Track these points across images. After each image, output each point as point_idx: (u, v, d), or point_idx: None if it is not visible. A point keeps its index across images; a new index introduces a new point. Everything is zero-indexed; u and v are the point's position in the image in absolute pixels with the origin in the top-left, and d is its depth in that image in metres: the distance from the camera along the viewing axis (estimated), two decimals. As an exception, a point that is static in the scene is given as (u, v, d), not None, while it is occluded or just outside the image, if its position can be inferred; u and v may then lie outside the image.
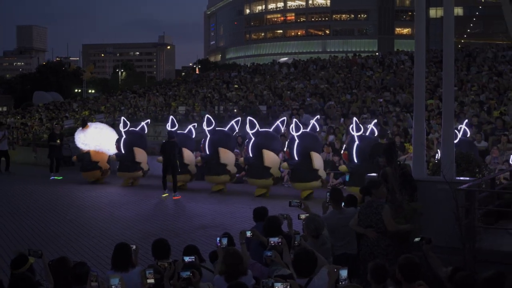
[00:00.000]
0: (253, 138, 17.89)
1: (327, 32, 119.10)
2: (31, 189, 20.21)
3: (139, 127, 21.33)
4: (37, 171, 23.53)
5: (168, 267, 6.16)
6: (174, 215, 15.48)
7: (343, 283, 5.41)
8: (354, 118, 17.20)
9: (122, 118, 21.86)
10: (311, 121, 18.08)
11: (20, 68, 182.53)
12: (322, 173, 17.47)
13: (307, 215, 8.05)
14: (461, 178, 9.68)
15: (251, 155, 17.98)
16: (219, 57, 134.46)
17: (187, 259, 6.49)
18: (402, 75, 30.10)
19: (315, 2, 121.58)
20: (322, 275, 5.88)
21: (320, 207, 9.18)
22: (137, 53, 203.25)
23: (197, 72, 79.25)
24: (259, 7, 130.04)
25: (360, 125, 16.45)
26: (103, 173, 21.89)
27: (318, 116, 19.98)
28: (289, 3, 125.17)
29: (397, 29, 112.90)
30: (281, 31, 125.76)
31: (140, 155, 20.73)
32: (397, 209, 8.40)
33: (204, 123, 18.99)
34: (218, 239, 7.01)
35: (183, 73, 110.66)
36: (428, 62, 22.15)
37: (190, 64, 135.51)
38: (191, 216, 15.21)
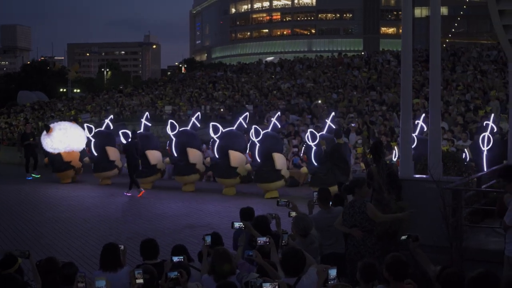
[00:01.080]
0: (217, 141, 18.01)
1: (313, 31, 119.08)
2: (15, 189, 20.09)
3: (104, 125, 21.47)
4: (23, 171, 23.43)
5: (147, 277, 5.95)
6: (161, 215, 15.43)
7: (332, 282, 5.42)
8: (309, 129, 17.42)
9: (85, 125, 21.86)
10: (271, 119, 18.39)
11: (4, 67, 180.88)
12: (285, 172, 17.70)
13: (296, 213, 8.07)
14: (449, 177, 9.75)
15: (217, 156, 18.12)
16: (204, 57, 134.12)
17: (175, 259, 6.46)
18: (388, 74, 30.20)
19: (300, 1, 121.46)
20: (310, 274, 5.87)
21: (306, 207, 9.19)
22: (123, 52, 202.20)
23: (183, 71, 78.99)
24: (245, 7, 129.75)
25: (316, 133, 16.55)
26: (77, 171, 21.95)
27: (279, 113, 20.69)
28: (275, 3, 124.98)
29: (383, 28, 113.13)
30: (266, 30, 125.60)
31: (113, 153, 20.80)
32: (384, 208, 8.43)
33: (168, 127, 19.02)
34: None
35: (169, 73, 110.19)
36: (413, 61, 22.16)
37: (176, 63, 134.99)
38: (178, 216, 15.18)
